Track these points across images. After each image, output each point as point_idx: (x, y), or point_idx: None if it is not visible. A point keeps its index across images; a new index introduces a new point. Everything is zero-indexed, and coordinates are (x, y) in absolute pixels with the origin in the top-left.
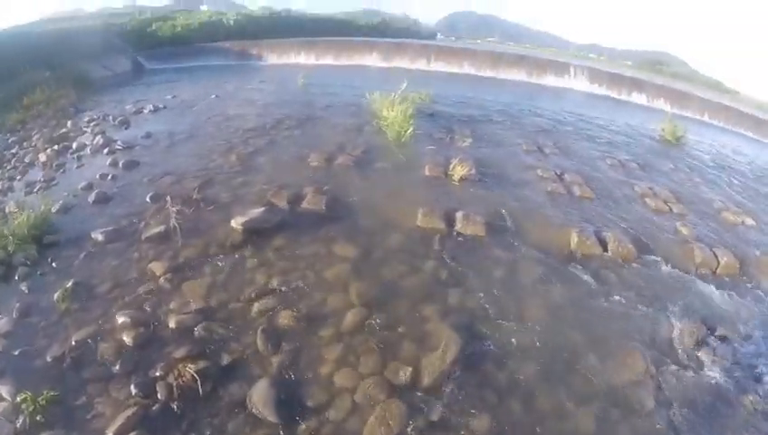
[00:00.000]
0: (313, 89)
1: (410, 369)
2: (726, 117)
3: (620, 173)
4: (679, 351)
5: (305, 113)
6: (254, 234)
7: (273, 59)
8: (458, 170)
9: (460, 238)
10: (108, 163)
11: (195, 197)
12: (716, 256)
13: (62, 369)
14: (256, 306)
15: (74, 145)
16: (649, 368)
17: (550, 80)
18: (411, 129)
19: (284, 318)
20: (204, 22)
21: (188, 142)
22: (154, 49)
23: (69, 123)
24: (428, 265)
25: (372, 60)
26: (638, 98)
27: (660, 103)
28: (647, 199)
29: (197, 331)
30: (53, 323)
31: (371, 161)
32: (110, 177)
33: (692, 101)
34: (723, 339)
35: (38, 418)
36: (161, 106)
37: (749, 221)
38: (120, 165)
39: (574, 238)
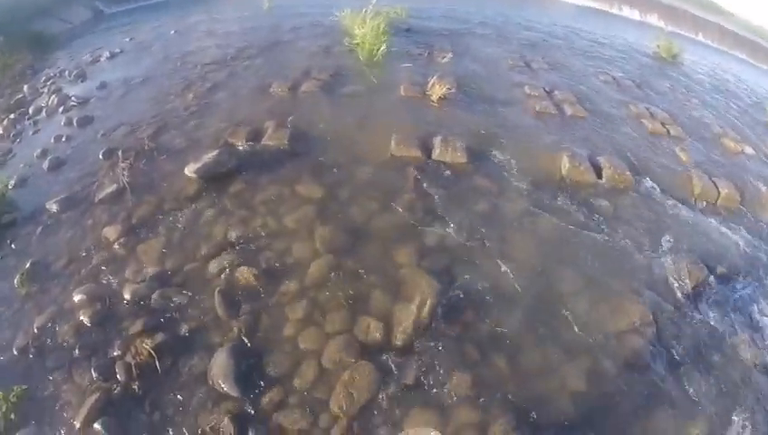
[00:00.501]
0: (280, 11)
1: (382, 325)
2: (722, 38)
3: (615, 91)
4: (678, 294)
5: (269, 39)
6: (210, 181)
7: None
8: (437, 89)
9: (439, 167)
10: (63, 123)
11: (147, 146)
12: (717, 187)
13: (28, 360)
14: (213, 265)
15: (31, 109)
16: (646, 314)
17: None
18: (384, 46)
19: (243, 276)
20: None
21: (144, 87)
22: None
23: (25, 87)
24: (402, 200)
25: None
26: (631, 13)
27: (653, 19)
28: (643, 120)
29: (153, 300)
30: (16, 310)
31: (341, 85)
32: (64, 138)
33: (686, 20)
34: (723, 279)
35: (12, 417)
36: (118, 51)
37: (749, 150)
38: (75, 123)
39: (566, 164)
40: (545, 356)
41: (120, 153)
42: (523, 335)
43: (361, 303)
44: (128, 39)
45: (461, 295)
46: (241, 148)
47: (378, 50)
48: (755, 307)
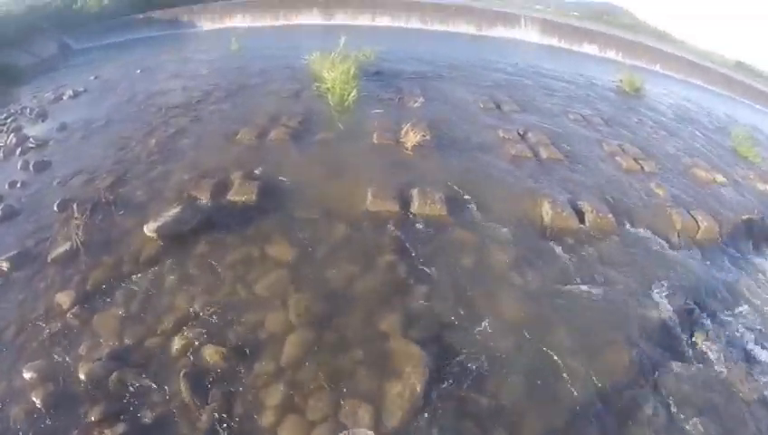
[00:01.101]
0: (248, 53)
1: (370, 408)
2: (678, 67)
3: (586, 129)
4: (671, 338)
5: (237, 82)
6: (173, 241)
7: (207, 25)
8: (411, 136)
9: (418, 222)
10: (19, 166)
11: (105, 199)
12: (696, 220)
13: None
14: (177, 341)
15: None
16: (643, 365)
17: (500, 32)
18: (354, 91)
19: (211, 355)
20: None
21: (105, 130)
22: (83, 27)
23: None
24: (383, 261)
25: (313, 17)
26: (590, 48)
27: (612, 54)
28: (617, 158)
29: (112, 382)
30: None
31: (311, 132)
32: (19, 184)
33: (643, 52)
34: (713, 317)
35: None
36: (81, 90)
37: (720, 178)
38: (32, 167)
39: (547, 210)
40: (548, 425)
41: (74, 206)
42: (523, 404)
43: (346, 382)
44: (93, 77)
45: (454, 366)
46: (206, 203)
47: (348, 95)
48: (748, 340)
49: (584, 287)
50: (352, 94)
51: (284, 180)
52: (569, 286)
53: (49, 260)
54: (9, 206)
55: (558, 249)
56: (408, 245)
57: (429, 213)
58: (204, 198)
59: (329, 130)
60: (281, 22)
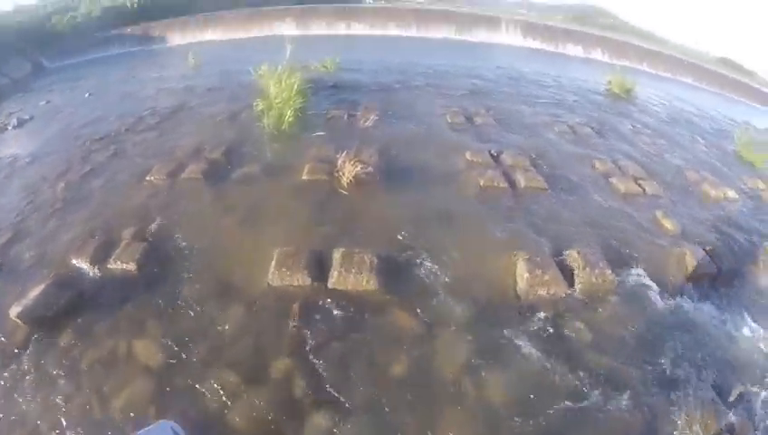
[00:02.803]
0: (205, 70)
1: None
2: (665, 65)
3: (574, 143)
4: None
5: (177, 103)
6: (40, 326)
7: (176, 39)
8: (348, 169)
9: (336, 302)
10: None
11: None
12: (714, 261)
13: None
14: None
15: None
16: None
17: (482, 36)
18: (291, 111)
19: None
20: (107, 7)
21: (26, 170)
22: (58, 45)
23: None
24: (276, 370)
25: (287, 28)
26: (575, 50)
27: (597, 54)
28: (613, 180)
29: None
30: None
31: (233, 166)
32: None
33: (629, 51)
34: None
35: None
36: (27, 118)
37: (730, 193)
38: None
39: (523, 273)
40: None
41: None
42: None
43: None
44: (44, 102)
45: None
46: (82, 273)
47: (287, 115)
48: None
49: (571, 392)
50: (289, 115)
51: (180, 239)
52: (550, 393)
53: None
54: None
55: (534, 332)
56: (312, 343)
57: (353, 287)
58: (83, 266)
59: (253, 163)
60: (254, 33)
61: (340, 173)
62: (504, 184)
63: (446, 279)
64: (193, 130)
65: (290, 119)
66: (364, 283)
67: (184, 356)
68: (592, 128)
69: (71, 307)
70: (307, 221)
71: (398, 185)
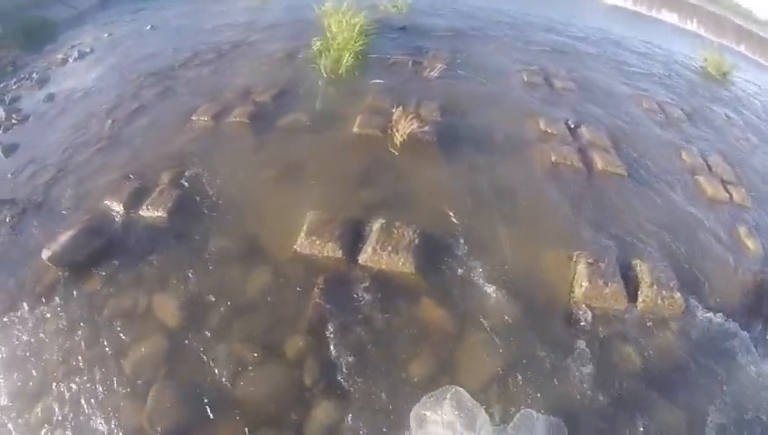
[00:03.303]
0: (274, 3)
1: None
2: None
3: (661, 127)
4: None
5: (236, 38)
6: (70, 270)
7: None
8: (402, 125)
9: (363, 283)
10: None
11: (35, 200)
12: None
13: None
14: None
15: None
16: None
17: None
18: (349, 54)
19: None
20: None
21: (79, 104)
22: None
23: None
24: (294, 344)
25: None
26: (669, 17)
27: (693, 26)
28: (699, 179)
29: None
30: None
31: (281, 111)
32: None
33: (727, 28)
34: None
35: None
36: (88, 51)
37: None
38: (0, 152)
39: (583, 279)
40: None
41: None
42: None
43: None
44: (106, 34)
45: None
46: (114, 217)
47: (345, 59)
48: None
49: None
50: (347, 58)
51: (215, 189)
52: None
53: None
54: None
55: (580, 354)
56: (332, 325)
57: (386, 267)
58: (115, 210)
59: (303, 110)
60: None
61: (394, 130)
62: (578, 163)
63: (492, 272)
64: (246, 68)
65: (348, 62)
66: (400, 264)
67: (200, 320)
68: (683, 110)
69: (99, 254)
70: (349, 183)
71: (457, 150)
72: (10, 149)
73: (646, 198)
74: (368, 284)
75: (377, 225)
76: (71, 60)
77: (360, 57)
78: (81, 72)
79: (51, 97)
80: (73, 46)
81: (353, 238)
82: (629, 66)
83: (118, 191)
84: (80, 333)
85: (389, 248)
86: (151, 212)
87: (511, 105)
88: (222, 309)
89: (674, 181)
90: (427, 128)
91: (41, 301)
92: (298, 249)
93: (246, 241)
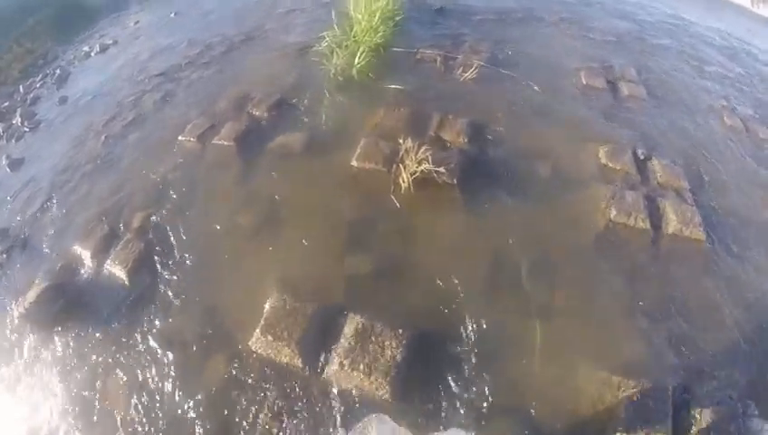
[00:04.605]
0: None
1: None
2: None
3: (750, 154)
4: None
5: (250, 27)
6: (38, 330)
7: None
8: (410, 163)
9: (326, 404)
10: (3, 161)
11: (17, 239)
12: None
13: None
14: None
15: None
16: None
17: None
18: (364, 51)
19: None
20: None
21: (85, 111)
22: None
23: (21, 87)
24: None
25: None
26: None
27: (766, 11)
28: None
29: None
30: None
31: (274, 129)
32: None
33: None
34: None
35: None
36: (110, 43)
37: None
38: (7, 167)
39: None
40: None
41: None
42: None
43: None
44: (133, 23)
45: None
46: (82, 271)
47: (360, 56)
48: None
49: None
50: (361, 56)
51: (180, 241)
52: None
53: None
54: None
55: None
56: None
57: (356, 391)
58: (84, 261)
59: (299, 128)
60: None
61: (401, 167)
62: (643, 223)
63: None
64: (251, 67)
65: (362, 61)
66: (374, 388)
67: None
68: None
69: (63, 316)
70: (334, 243)
71: (483, 196)
72: (16, 165)
73: (731, 279)
74: (329, 407)
75: (352, 325)
76: (93, 54)
77: (381, 51)
78: (96, 70)
79: (64, 100)
80: (102, 36)
81: (320, 340)
82: (707, 64)
83: (90, 236)
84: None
85: (363, 365)
86: (114, 268)
87: (563, 123)
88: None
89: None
90: (443, 168)
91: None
92: (253, 347)
93: (203, 323)
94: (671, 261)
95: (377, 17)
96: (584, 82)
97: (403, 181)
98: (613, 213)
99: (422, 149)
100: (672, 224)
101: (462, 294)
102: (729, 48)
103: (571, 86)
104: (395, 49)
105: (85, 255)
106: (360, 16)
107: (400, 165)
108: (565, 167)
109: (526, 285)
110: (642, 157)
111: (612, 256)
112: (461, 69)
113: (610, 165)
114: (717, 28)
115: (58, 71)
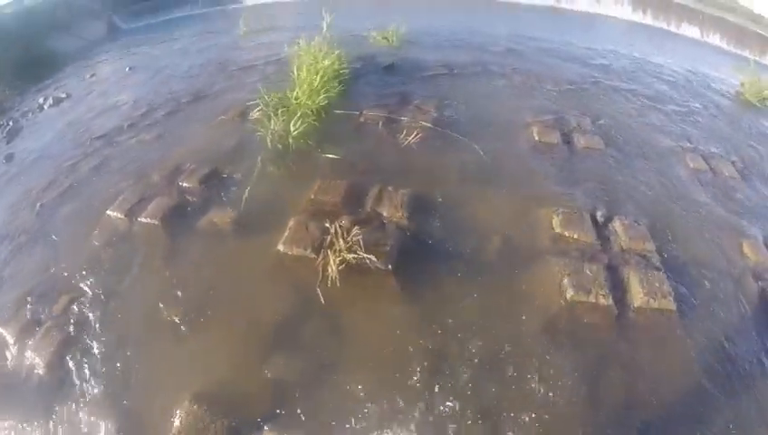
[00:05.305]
0: (256, 38)
1: None
2: None
3: (715, 198)
4: None
5: (200, 86)
6: None
7: None
8: (333, 257)
9: None
10: None
11: None
12: None
13: None
14: None
15: None
16: None
17: (583, 3)
18: (299, 117)
19: None
20: None
21: (26, 173)
22: (134, 5)
23: None
24: None
25: None
26: (691, 31)
27: (716, 39)
28: None
29: None
30: None
31: (204, 205)
32: None
33: (753, 40)
34: None
35: None
36: (64, 96)
37: None
38: None
39: None
40: None
41: None
42: None
43: None
44: (89, 75)
45: None
46: (6, 357)
47: (297, 121)
48: None
49: None
50: (297, 124)
51: (97, 335)
52: None
53: None
54: None
55: None
56: None
57: None
58: (8, 346)
59: (229, 204)
60: None
61: (329, 254)
62: (605, 300)
63: None
64: (190, 133)
65: (299, 127)
66: None
67: None
68: (734, 165)
69: None
70: (255, 344)
71: (422, 283)
72: None
73: (705, 345)
74: None
75: None
76: (46, 106)
77: (322, 114)
78: (46, 126)
79: (10, 157)
80: (57, 87)
81: None
82: (663, 103)
83: (14, 319)
84: None
85: None
86: (32, 358)
87: (514, 188)
88: None
89: (740, 300)
90: (373, 257)
91: None
92: None
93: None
94: (638, 344)
95: (318, 78)
96: (537, 139)
97: (331, 270)
98: (570, 293)
99: (354, 231)
100: (638, 297)
101: (393, 410)
102: (684, 81)
103: (524, 143)
104: (337, 111)
105: (9, 340)
106: (303, 76)
107: (329, 251)
108: (516, 240)
109: (469, 393)
110: (602, 219)
111: (570, 345)
112: (405, 132)
113: (566, 234)
114: (671, 63)
115: (11, 123)
